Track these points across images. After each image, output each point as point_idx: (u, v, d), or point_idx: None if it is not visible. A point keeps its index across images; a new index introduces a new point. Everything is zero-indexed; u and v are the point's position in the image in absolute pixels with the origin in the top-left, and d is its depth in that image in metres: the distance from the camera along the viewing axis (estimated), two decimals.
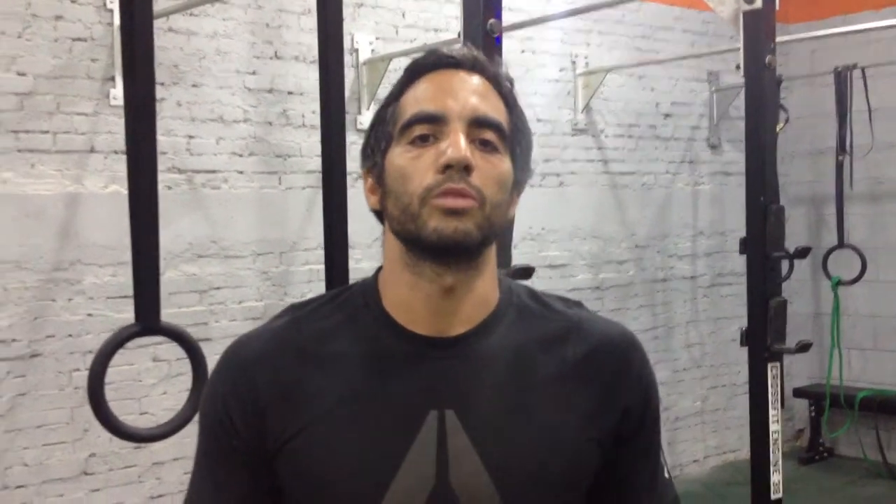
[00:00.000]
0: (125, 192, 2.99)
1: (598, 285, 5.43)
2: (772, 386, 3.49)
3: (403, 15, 4.67)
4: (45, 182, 3.64)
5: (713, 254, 6.03)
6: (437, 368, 1.11)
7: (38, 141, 3.63)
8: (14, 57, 3.57)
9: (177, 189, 3.94)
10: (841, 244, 5.72)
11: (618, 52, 5.50)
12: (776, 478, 3.49)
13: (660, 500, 1.23)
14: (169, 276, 3.79)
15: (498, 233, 1.12)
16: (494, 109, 1.11)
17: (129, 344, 3.07)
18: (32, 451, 3.62)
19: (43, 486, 3.64)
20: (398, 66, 4.20)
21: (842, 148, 5.56)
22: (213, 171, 4.06)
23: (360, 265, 3.97)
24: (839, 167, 5.60)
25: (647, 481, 1.22)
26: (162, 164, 3.23)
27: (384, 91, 2.48)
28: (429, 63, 1.13)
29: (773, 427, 3.50)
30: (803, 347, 3.59)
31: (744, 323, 3.60)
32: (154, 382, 3.89)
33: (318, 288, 4.04)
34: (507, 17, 3.83)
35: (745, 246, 3.57)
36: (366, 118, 4.40)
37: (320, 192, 3.16)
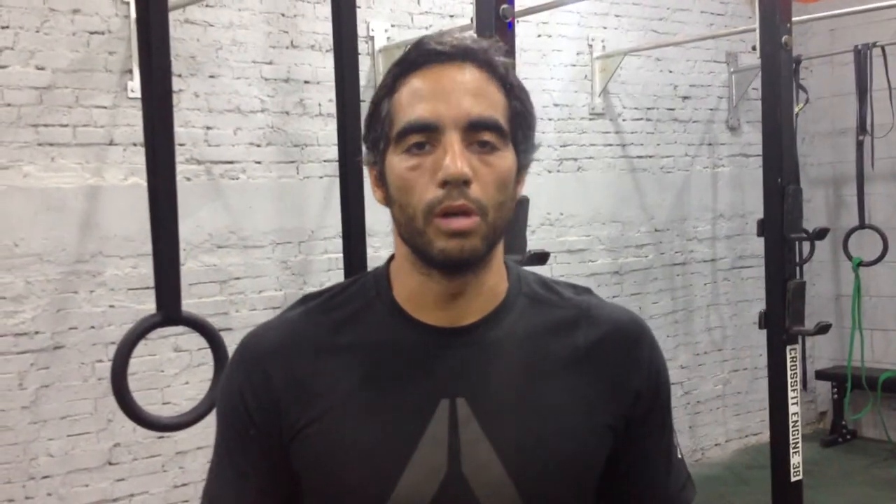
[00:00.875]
0: (145, 183, 3.02)
1: (618, 270, 5.42)
2: (791, 368, 3.48)
3: (419, 2, 4.66)
4: (66, 175, 3.67)
5: (733, 236, 6.00)
6: (449, 358, 1.12)
7: (57, 134, 3.66)
8: (33, 51, 3.60)
9: (195, 180, 3.97)
10: (862, 225, 5.68)
11: (635, 35, 5.47)
12: (796, 460, 3.48)
13: (675, 481, 1.24)
14: (189, 267, 3.81)
15: (504, 228, 1.11)
16: (490, 105, 1.09)
17: (151, 334, 3.10)
18: (57, 442, 3.66)
19: (68, 476, 3.68)
20: None
21: (862, 127, 5.51)
22: (232, 162, 4.08)
23: (379, 253, 3.99)
24: (860, 147, 5.56)
25: (660, 463, 1.23)
26: (180, 155, 3.26)
27: None
28: (419, 58, 1.11)
29: (793, 409, 3.50)
30: (822, 329, 3.57)
31: (764, 306, 3.59)
32: (176, 372, 3.92)
33: (338, 276, 4.06)
34: (522, 2, 3.82)
35: (763, 228, 3.55)
36: None
37: (338, 180, 3.17)
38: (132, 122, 3.75)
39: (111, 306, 3.76)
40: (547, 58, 5.09)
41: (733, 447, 6.01)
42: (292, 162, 4.25)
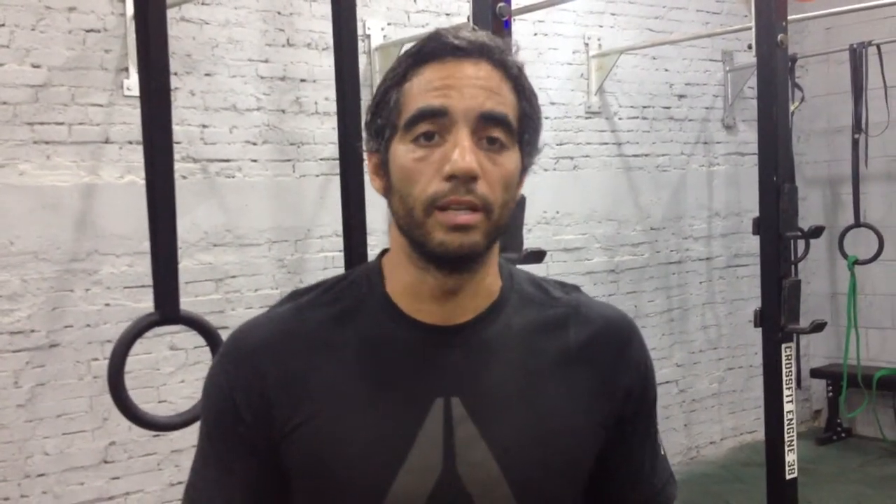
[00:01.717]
0: (141, 182, 3.01)
1: (614, 268, 5.42)
2: (786, 366, 3.49)
3: (415, 0, 4.66)
4: (62, 173, 3.67)
5: (729, 235, 6.01)
6: (442, 356, 1.12)
7: (53, 132, 3.65)
8: (28, 49, 3.60)
9: (191, 178, 3.96)
10: (857, 223, 5.69)
11: (631, 33, 5.48)
12: (791, 457, 3.49)
13: (659, 478, 1.25)
14: (185, 265, 3.80)
15: (505, 227, 1.11)
16: (502, 102, 1.08)
17: (147, 333, 3.10)
18: (53, 440, 3.66)
19: (64, 474, 3.68)
20: None
21: (858, 126, 5.52)
22: (228, 160, 4.08)
23: (378, 251, 3.98)
24: (855, 145, 5.57)
25: (646, 460, 1.24)
26: (176, 153, 3.25)
27: None
28: (435, 50, 1.09)
29: (788, 407, 3.51)
30: (817, 327, 3.58)
31: (760, 304, 3.60)
32: (172, 371, 3.92)
33: (335, 274, 4.05)
34: (518, 0, 3.83)
35: (758, 226, 3.56)
36: None
37: (334, 179, 3.17)
38: (128, 120, 3.75)
39: (107, 305, 3.76)
40: (543, 56, 5.10)
41: (728, 445, 6.02)
42: (288, 160, 4.25)
